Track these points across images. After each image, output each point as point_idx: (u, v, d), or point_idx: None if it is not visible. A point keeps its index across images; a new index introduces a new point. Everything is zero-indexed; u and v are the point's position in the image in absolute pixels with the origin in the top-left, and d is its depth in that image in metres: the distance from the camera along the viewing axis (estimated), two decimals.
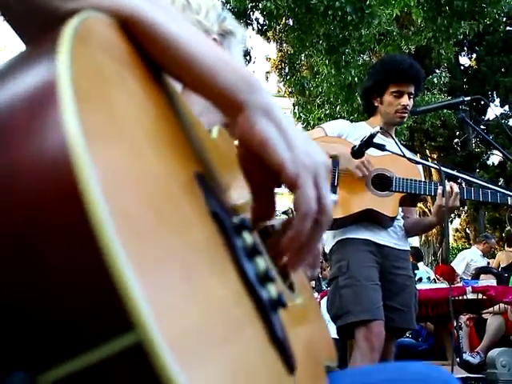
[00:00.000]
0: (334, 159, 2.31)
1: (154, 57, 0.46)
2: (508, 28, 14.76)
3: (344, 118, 8.20)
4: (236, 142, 0.53)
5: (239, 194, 0.57)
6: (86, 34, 0.35)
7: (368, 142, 2.14)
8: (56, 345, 0.26)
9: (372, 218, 2.36)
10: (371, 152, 2.29)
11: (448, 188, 2.23)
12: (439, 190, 2.26)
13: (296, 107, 10.28)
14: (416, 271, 4.94)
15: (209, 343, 0.32)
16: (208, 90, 0.47)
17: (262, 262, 0.50)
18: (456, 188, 2.22)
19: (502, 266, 6.24)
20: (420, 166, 2.48)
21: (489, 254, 6.95)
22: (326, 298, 3.73)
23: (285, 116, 0.49)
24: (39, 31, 0.38)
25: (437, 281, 4.58)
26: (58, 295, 0.26)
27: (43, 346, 0.26)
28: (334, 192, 2.34)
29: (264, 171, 0.49)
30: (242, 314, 0.41)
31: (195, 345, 0.30)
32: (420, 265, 6.71)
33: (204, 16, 1.00)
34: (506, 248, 6.85)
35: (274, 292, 0.49)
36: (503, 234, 15.20)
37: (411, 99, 2.46)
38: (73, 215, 0.26)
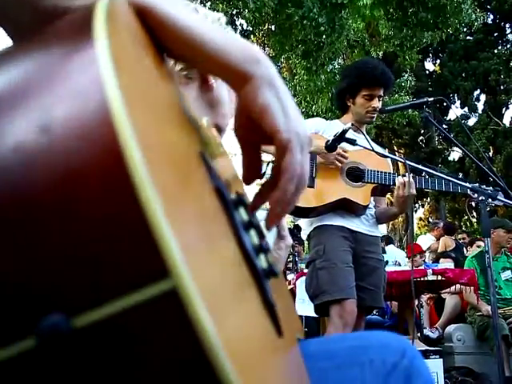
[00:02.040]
0: (312, 154, 2.33)
1: (169, 44, 0.47)
2: (468, 37, 14.90)
3: (319, 115, 8.22)
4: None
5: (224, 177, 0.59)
6: (115, 14, 0.34)
7: (341, 137, 2.16)
8: (91, 288, 0.25)
9: (346, 207, 2.38)
10: (346, 147, 2.32)
11: (405, 179, 2.27)
12: (397, 183, 2.29)
13: None
14: (384, 255, 5.01)
15: (226, 297, 0.32)
16: (220, 67, 0.48)
17: (255, 236, 0.51)
18: (410, 179, 2.26)
19: (448, 249, 6.30)
20: (389, 160, 2.51)
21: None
22: (302, 279, 3.77)
23: (284, 87, 0.51)
24: (39, 26, 0.37)
25: (401, 264, 4.63)
26: (99, 241, 0.25)
27: (78, 289, 0.25)
28: (312, 183, 2.37)
29: (257, 135, 0.50)
30: (242, 278, 0.41)
31: (218, 297, 0.30)
32: (391, 247, 6.82)
33: None
34: (446, 236, 6.90)
35: (265, 262, 0.50)
36: (461, 223, 15.46)
37: (380, 101, 2.49)
38: (115, 171, 0.25)
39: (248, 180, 0.56)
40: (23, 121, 0.28)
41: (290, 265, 5.39)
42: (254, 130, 0.50)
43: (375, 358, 0.77)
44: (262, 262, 0.49)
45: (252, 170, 0.56)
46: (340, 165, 2.34)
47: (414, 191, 2.27)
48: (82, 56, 0.29)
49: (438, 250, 6.32)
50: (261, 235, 0.57)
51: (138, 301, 0.25)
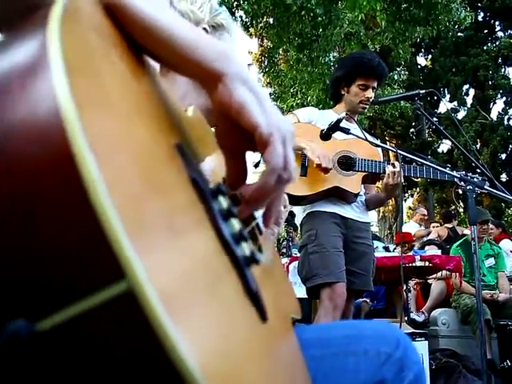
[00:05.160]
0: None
1: (138, 39, 0.44)
2: (459, 34, 14.82)
3: (314, 106, 8.18)
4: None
5: (210, 166, 0.57)
6: (74, 11, 0.33)
7: (335, 126, 2.14)
8: (52, 294, 0.25)
9: (338, 194, 2.37)
10: (338, 136, 2.29)
11: (392, 168, 2.27)
12: (388, 171, 2.29)
13: (272, 96, 10.22)
14: (373, 241, 5.01)
15: (194, 291, 0.31)
16: (189, 65, 0.46)
17: (237, 224, 0.49)
18: (398, 167, 2.25)
19: (440, 239, 6.24)
20: (379, 149, 2.49)
21: (426, 222, 6.96)
22: (294, 263, 3.77)
23: (257, 83, 0.49)
24: (19, 19, 0.35)
25: (391, 249, 4.64)
26: (56, 250, 0.25)
27: (40, 296, 0.25)
28: (305, 172, 2.34)
29: (238, 136, 0.48)
30: (220, 267, 0.40)
31: (182, 292, 0.29)
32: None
33: (198, 7, 0.99)
34: (443, 224, 6.86)
35: (247, 250, 0.48)
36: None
37: (373, 92, 2.47)
38: (66, 175, 0.24)
39: (234, 187, 0.54)
40: None
41: (284, 250, 5.39)
42: (234, 132, 0.48)
43: (370, 348, 0.75)
44: (244, 249, 0.48)
45: (237, 177, 0.53)
46: (318, 163, 2.26)
47: (399, 179, 2.26)
48: (35, 56, 0.28)
49: (430, 237, 6.28)
50: (247, 222, 0.56)
51: (96, 303, 0.24)
